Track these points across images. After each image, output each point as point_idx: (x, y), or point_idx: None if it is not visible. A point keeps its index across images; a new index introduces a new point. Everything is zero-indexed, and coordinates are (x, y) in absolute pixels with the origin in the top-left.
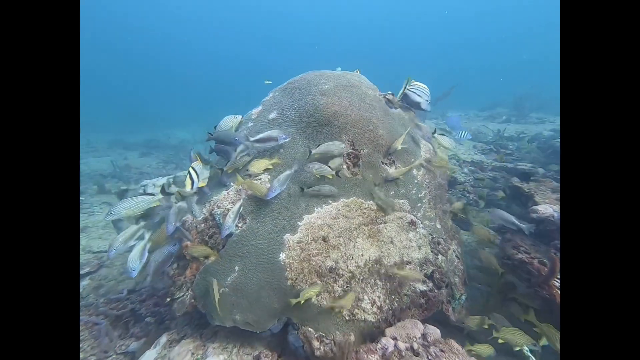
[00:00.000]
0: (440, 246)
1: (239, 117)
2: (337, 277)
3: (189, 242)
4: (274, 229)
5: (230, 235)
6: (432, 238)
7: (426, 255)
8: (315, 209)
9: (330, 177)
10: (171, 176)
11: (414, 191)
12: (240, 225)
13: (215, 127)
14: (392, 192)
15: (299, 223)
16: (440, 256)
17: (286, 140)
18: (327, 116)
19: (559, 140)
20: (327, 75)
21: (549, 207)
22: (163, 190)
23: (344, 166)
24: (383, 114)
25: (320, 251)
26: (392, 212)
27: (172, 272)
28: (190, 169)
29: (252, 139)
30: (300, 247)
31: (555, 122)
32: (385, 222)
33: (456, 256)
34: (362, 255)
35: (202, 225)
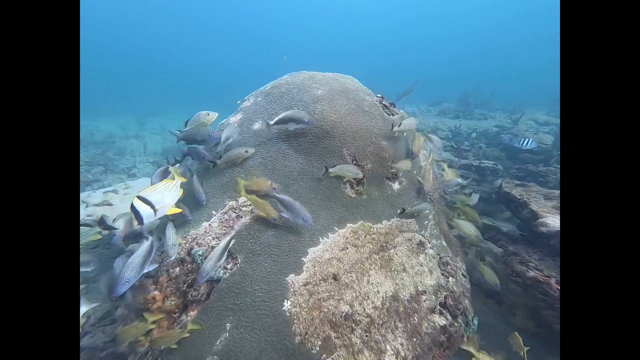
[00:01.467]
0: (449, 267)
1: (214, 115)
2: (354, 325)
3: (155, 294)
4: (274, 270)
5: (216, 281)
6: (441, 258)
7: (438, 280)
8: (320, 239)
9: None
10: (110, 188)
11: (416, 204)
12: (229, 267)
13: (185, 124)
14: (398, 211)
15: (304, 259)
16: (450, 278)
17: (308, 126)
18: (324, 128)
19: (504, 135)
20: (317, 78)
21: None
22: (103, 223)
23: (347, 185)
24: (383, 123)
25: (332, 293)
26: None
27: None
28: (136, 200)
29: (271, 122)
30: (307, 291)
31: (496, 118)
32: (394, 247)
33: (462, 274)
34: (378, 291)
35: (177, 269)
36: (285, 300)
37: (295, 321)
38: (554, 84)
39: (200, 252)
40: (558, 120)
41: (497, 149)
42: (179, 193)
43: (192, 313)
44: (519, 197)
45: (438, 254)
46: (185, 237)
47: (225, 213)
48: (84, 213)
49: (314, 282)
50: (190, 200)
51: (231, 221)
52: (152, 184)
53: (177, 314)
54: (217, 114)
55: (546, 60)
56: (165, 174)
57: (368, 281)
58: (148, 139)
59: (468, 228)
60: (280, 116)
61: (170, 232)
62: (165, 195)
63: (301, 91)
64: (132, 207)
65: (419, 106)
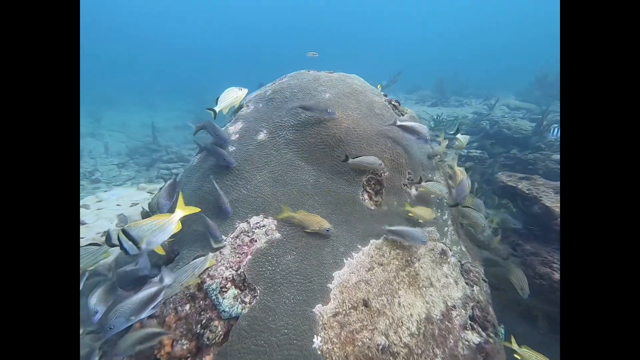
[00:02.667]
0: (471, 274)
1: (244, 91)
2: (392, 358)
3: (166, 338)
4: (299, 300)
5: (234, 318)
6: (462, 265)
7: (464, 290)
8: (344, 260)
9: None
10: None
11: (439, 214)
12: (247, 300)
13: (215, 101)
14: (419, 221)
15: (330, 285)
16: (475, 287)
17: (333, 116)
18: (337, 135)
19: (483, 122)
20: (322, 79)
21: None
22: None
23: (365, 196)
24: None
25: (365, 323)
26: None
27: None
28: (120, 233)
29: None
30: (338, 323)
31: (472, 105)
32: (418, 259)
33: (482, 279)
34: (411, 315)
35: (187, 306)
36: (315, 336)
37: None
38: (515, 68)
39: (213, 287)
40: (528, 105)
41: (480, 137)
42: (172, 230)
43: (208, 358)
44: (527, 191)
45: (459, 261)
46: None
47: (237, 237)
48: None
49: (344, 312)
50: (208, 211)
51: (245, 247)
52: (158, 205)
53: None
54: (246, 90)
55: (506, 44)
56: (173, 190)
57: (399, 304)
58: (107, 137)
59: (477, 217)
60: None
61: (187, 271)
62: (154, 233)
63: (307, 95)
64: (119, 239)
65: (396, 94)
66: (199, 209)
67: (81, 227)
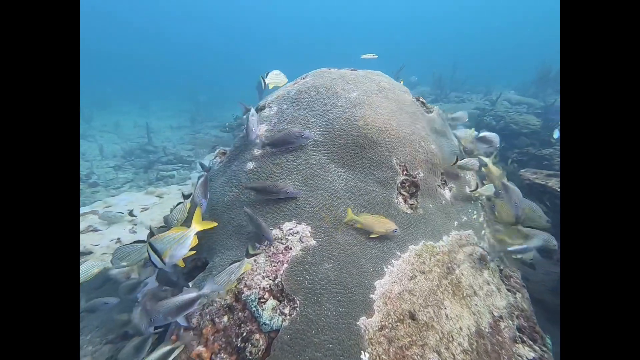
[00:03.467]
0: (512, 280)
1: (286, 80)
2: None
3: (201, 350)
4: (341, 312)
5: (275, 331)
6: (502, 271)
7: (507, 298)
8: (384, 268)
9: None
10: (87, 209)
11: (475, 216)
12: (287, 311)
13: (262, 78)
14: (455, 223)
15: (372, 296)
16: (517, 294)
17: (308, 140)
18: (369, 135)
19: (487, 117)
20: (348, 77)
21: None
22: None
23: (400, 199)
24: (426, 124)
25: (414, 338)
26: None
27: None
28: (148, 247)
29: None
30: (385, 337)
31: (473, 100)
32: (458, 266)
33: (522, 285)
34: (461, 328)
35: (225, 318)
36: (362, 352)
37: None
38: (509, 64)
39: (252, 297)
40: (529, 100)
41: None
42: (189, 244)
43: None
44: (559, 189)
45: (498, 267)
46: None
47: (271, 245)
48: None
49: (391, 326)
50: (236, 221)
51: (280, 254)
52: (196, 204)
53: None
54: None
55: (501, 40)
56: (206, 188)
57: (447, 315)
58: (100, 139)
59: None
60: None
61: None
62: (174, 247)
63: (334, 95)
64: (148, 253)
65: None
66: (216, 224)
67: (94, 233)
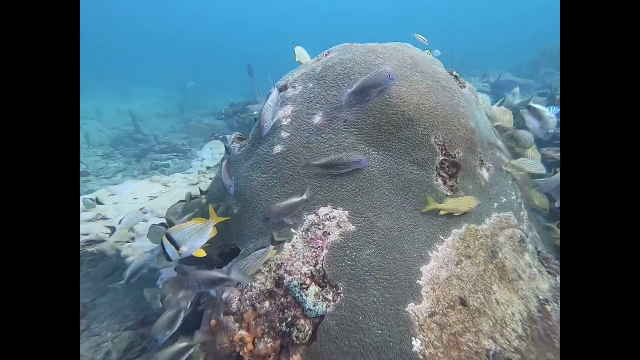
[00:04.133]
0: (551, 262)
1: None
2: None
3: (243, 334)
4: (387, 298)
5: (320, 316)
6: (539, 253)
7: (549, 280)
8: (428, 253)
9: None
10: (89, 196)
11: (514, 197)
12: (331, 297)
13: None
14: (495, 205)
15: (419, 282)
16: (557, 276)
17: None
18: (405, 113)
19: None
20: (378, 51)
21: None
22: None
23: (439, 180)
24: (463, 99)
25: (466, 324)
26: None
27: None
28: (164, 237)
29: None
30: (436, 324)
31: (473, 82)
32: (500, 249)
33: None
34: (513, 314)
35: (266, 303)
36: (414, 338)
37: None
38: (504, 48)
39: (294, 283)
40: (527, 81)
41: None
42: (208, 236)
43: (296, 357)
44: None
45: (536, 248)
46: (267, 262)
47: (308, 230)
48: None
49: (441, 312)
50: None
51: (318, 240)
52: (225, 187)
53: (272, 358)
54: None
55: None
56: (230, 170)
57: (497, 301)
58: (83, 125)
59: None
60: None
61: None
62: (194, 237)
63: (364, 70)
64: (162, 244)
65: None
66: (229, 217)
67: (103, 222)
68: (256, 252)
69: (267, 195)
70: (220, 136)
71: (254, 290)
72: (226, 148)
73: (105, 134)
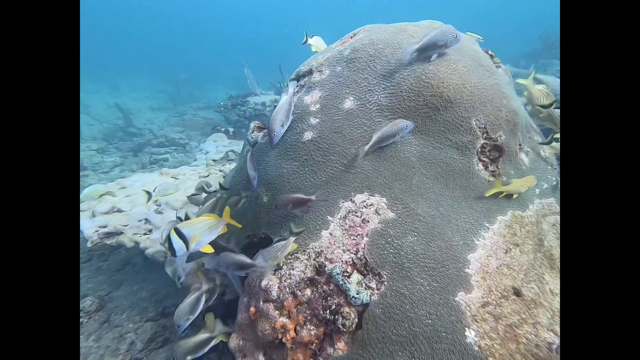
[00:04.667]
0: None
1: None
2: None
3: (285, 322)
4: (435, 287)
5: (363, 305)
6: None
7: None
8: (475, 241)
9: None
10: (99, 186)
11: (555, 182)
12: (374, 285)
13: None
14: (537, 191)
15: (467, 270)
16: None
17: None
18: (445, 95)
19: None
20: (410, 30)
21: None
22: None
23: (480, 165)
24: (502, 79)
25: (523, 316)
26: None
27: None
28: (172, 232)
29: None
30: (490, 315)
31: None
32: (544, 236)
33: None
34: None
35: (308, 291)
36: (467, 329)
37: (491, 359)
38: (501, 41)
39: (337, 271)
40: (520, 70)
41: None
42: (218, 233)
43: (340, 345)
44: None
45: None
46: (305, 250)
47: (346, 218)
48: (94, 225)
49: (495, 302)
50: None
51: (358, 227)
52: (249, 178)
53: (315, 345)
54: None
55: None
56: (255, 162)
57: (552, 291)
58: None
59: None
60: (423, 43)
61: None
62: (204, 233)
63: (396, 50)
64: (169, 238)
65: None
66: (240, 225)
67: (119, 214)
68: (277, 244)
69: (298, 182)
70: (223, 129)
71: (293, 278)
72: (247, 139)
73: (96, 128)
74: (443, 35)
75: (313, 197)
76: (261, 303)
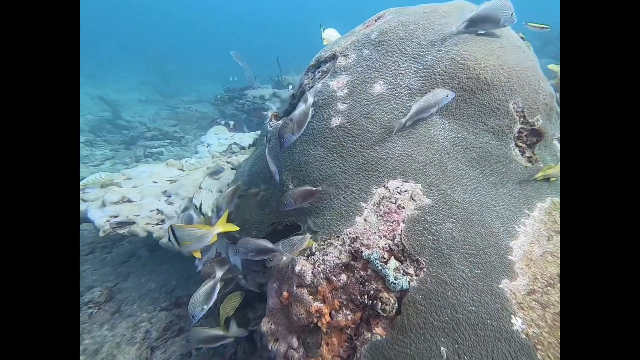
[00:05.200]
0: None
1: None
2: None
3: (320, 306)
4: (477, 274)
5: (402, 291)
6: None
7: None
8: (516, 228)
9: None
10: (101, 175)
11: None
12: (412, 272)
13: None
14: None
15: (511, 258)
16: None
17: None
18: (482, 77)
19: None
20: (441, 10)
21: None
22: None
23: (517, 151)
24: (537, 61)
25: None
26: None
27: (294, 354)
28: (169, 229)
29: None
30: (537, 302)
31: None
32: None
33: None
34: None
35: (343, 276)
36: (513, 317)
37: (539, 347)
38: None
39: (375, 256)
40: None
41: None
42: (207, 242)
43: (378, 330)
44: None
45: None
46: (339, 236)
47: (380, 204)
48: (105, 215)
49: (541, 290)
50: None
51: (393, 214)
52: (271, 173)
53: (350, 330)
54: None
55: None
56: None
57: None
58: None
59: None
60: (477, 14)
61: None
62: (193, 240)
63: (428, 32)
64: (169, 233)
65: None
66: (238, 228)
67: (129, 204)
68: (294, 238)
69: (327, 169)
70: (223, 122)
71: (328, 263)
72: (264, 129)
73: (82, 121)
74: (500, 10)
75: (320, 188)
76: (295, 288)
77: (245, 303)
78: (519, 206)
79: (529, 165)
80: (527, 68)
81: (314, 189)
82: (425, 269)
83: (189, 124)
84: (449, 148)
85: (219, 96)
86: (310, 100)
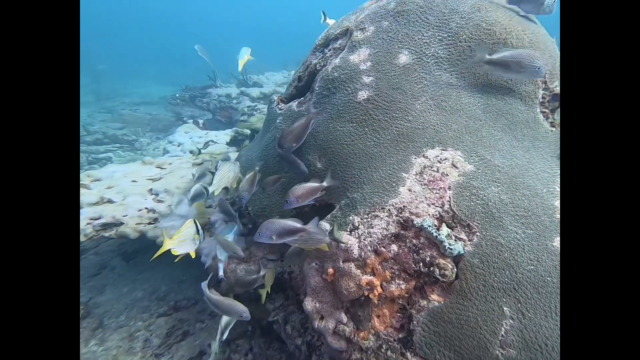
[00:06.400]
0: None
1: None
2: None
3: (371, 279)
4: (530, 235)
5: (457, 256)
6: None
7: None
8: (556, 188)
9: None
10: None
11: None
12: (465, 237)
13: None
14: None
15: (559, 216)
16: None
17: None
18: (508, 42)
19: None
20: None
21: None
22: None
23: (542, 115)
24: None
25: None
26: None
27: (345, 328)
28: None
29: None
30: None
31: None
32: None
33: None
34: None
35: (394, 247)
36: None
37: None
38: None
39: (428, 223)
40: None
41: None
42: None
43: (434, 296)
44: None
45: None
46: (384, 207)
47: (422, 173)
48: (85, 217)
49: None
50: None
51: (438, 181)
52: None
53: (402, 300)
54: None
55: None
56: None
57: None
58: None
59: None
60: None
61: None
62: (186, 241)
63: (448, 0)
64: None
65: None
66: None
67: (111, 205)
68: (314, 234)
69: (360, 143)
70: (191, 120)
71: (375, 236)
72: (272, 115)
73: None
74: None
75: (325, 184)
76: (341, 263)
77: (259, 295)
78: (554, 168)
79: (553, 129)
80: (543, 34)
81: (318, 185)
82: (478, 233)
83: (139, 126)
84: (481, 115)
85: (177, 95)
86: (313, 111)
